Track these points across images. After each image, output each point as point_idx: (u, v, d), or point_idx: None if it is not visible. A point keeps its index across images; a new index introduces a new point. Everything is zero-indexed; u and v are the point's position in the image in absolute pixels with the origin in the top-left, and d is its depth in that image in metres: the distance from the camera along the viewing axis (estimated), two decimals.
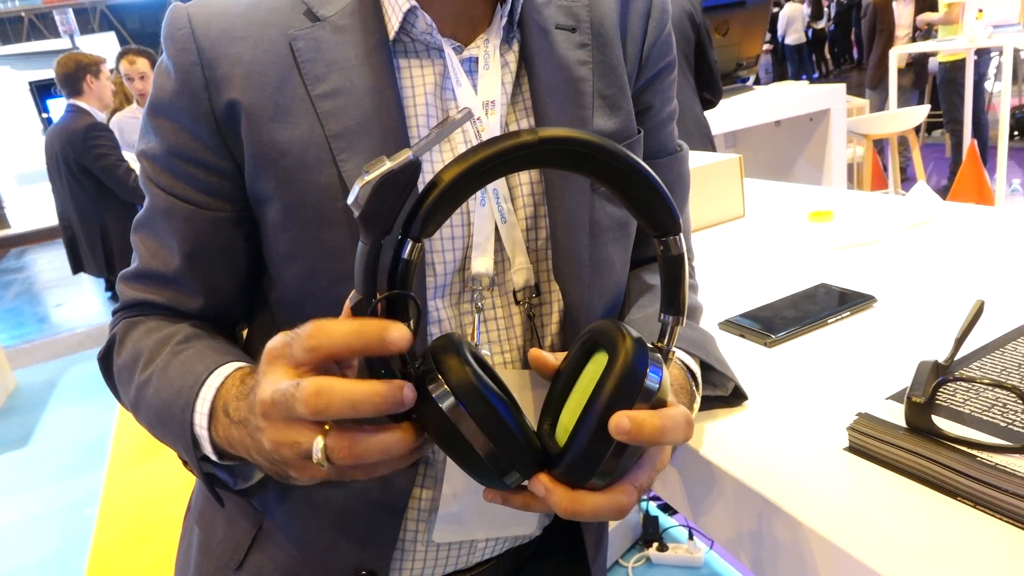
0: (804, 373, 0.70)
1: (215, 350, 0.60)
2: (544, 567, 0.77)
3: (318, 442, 0.41)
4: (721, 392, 0.66)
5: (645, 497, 2.40)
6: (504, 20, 0.61)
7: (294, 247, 0.60)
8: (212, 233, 0.62)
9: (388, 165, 0.39)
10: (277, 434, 0.42)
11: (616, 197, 0.46)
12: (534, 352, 0.53)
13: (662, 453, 0.47)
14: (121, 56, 3.37)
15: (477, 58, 0.61)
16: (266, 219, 0.61)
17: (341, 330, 0.40)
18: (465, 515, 0.64)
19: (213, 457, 0.54)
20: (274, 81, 0.57)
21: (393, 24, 0.59)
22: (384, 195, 0.40)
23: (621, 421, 0.41)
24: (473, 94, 0.61)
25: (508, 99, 0.63)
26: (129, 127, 3.42)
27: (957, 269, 0.88)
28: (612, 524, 2.18)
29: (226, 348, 0.61)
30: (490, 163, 0.42)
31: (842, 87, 3.06)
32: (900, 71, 5.67)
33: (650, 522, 2.25)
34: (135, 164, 3.07)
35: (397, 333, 0.39)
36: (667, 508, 2.37)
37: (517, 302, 0.64)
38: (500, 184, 0.62)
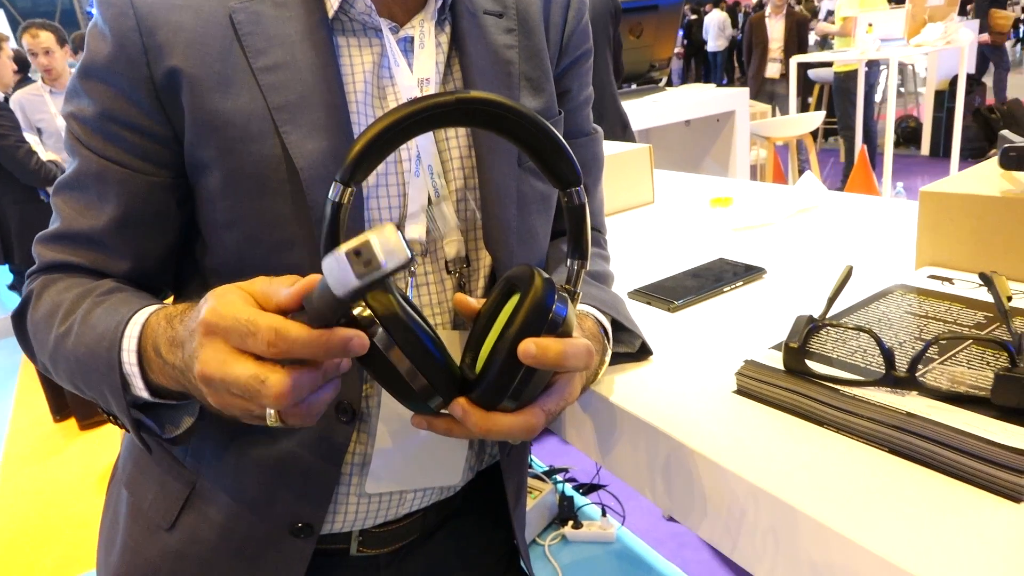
0: (702, 333, 0.78)
1: (140, 297, 0.61)
2: (468, 519, 0.82)
3: (266, 392, 0.43)
4: (629, 349, 0.73)
5: (560, 479, 2.49)
6: (439, 2, 0.66)
7: (233, 215, 0.62)
8: (146, 198, 0.64)
9: (383, 269, 0.40)
10: (218, 365, 0.44)
11: (525, 153, 0.52)
12: (459, 296, 0.58)
13: (570, 385, 0.53)
14: (24, 30, 3.19)
15: (413, 37, 0.66)
16: (204, 187, 0.63)
17: (304, 340, 0.43)
18: (395, 466, 0.69)
19: (145, 394, 0.55)
20: (216, 51, 0.60)
21: (332, 3, 0.62)
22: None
23: (528, 347, 0.47)
24: (409, 72, 0.65)
25: (440, 79, 0.68)
26: (31, 106, 3.24)
27: (836, 247, 0.98)
28: (530, 504, 2.26)
29: (151, 298, 0.62)
30: (413, 118, 0.48)
31: (746, 91, 3.25)
32: (777, 80, 6.10)
33: (565, 502, 2.34)
34: (37, 146, 2.92)
35: (358, 343, 0.43)
36: (581, 489, 2.47)
37: (448, 272, 0.69)
38: (433, 160, 0.67)
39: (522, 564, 0.88)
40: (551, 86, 0.73)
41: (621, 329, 0.72)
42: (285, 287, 0.45)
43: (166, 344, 0.52)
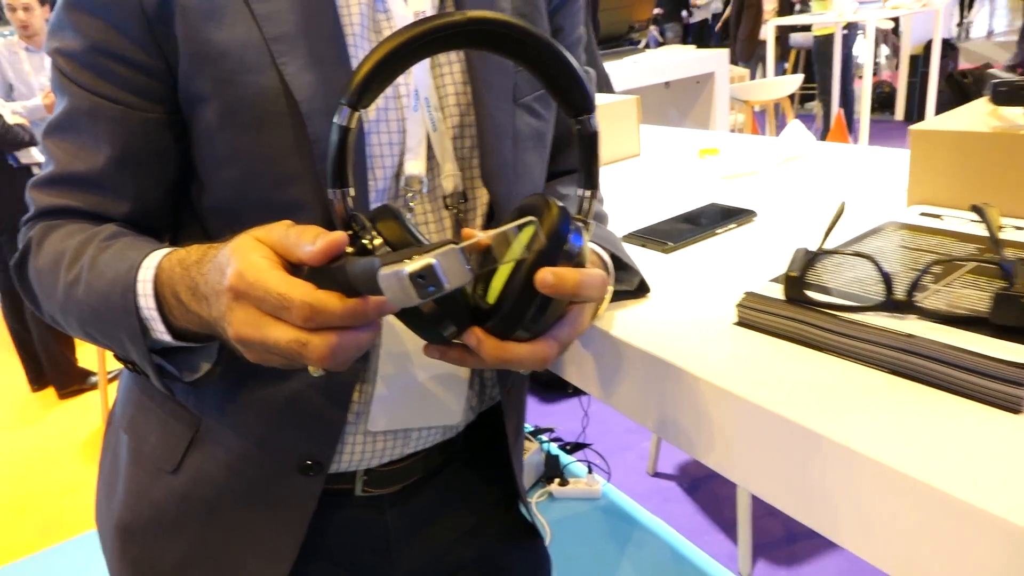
0: (698, 272, 0.78)
1: (147, 241, 0.60)
2: (469, 460, 0.83)
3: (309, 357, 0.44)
4: (627, 287, 0.74)
5: (546, 439, 2.52)
6: None
7: (231, 150, 0.61)
8: (143, 135, 0.62)
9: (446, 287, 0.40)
10: (254, 330, 0.45)
11: (536, 78, 0.51)
12: (466, 231, 0.58)
13: (581, 315, 0.54)
14: None
15: None
16: (200, 121, 0.62)
17: (340, 313, 0.43)
18: (397, 405, 0.69)
19: (167, 338, 0.55)
20: None
21: None
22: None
23: (545, 275, 0.47)
24: (403, 5, 0.64)
25: (435, 12, 0.67)
26: (6, 60, 3.11)
27: (824, 192, 0.99)
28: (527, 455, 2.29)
29: (156, 242, 0.61)
30: (424, 38, 0.47)
31: (725, 52, 3.25)
32: (766, 44, 6.07)
33: (551, 460, 2.37)
34: (2, 109, 2.83)
35: (391, 306, 0.44)
36: (567, 447, 2.50)
37: (447, 207, 0.69)
38: (430, 93, 0.66)
39: (521, 508, 0.89)
40: (545, 22, 0.72)
41: (620, 267, 0.72)
42: (307, 242, 0.45)
43: (186, 292, 0.51)
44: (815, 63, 5.58)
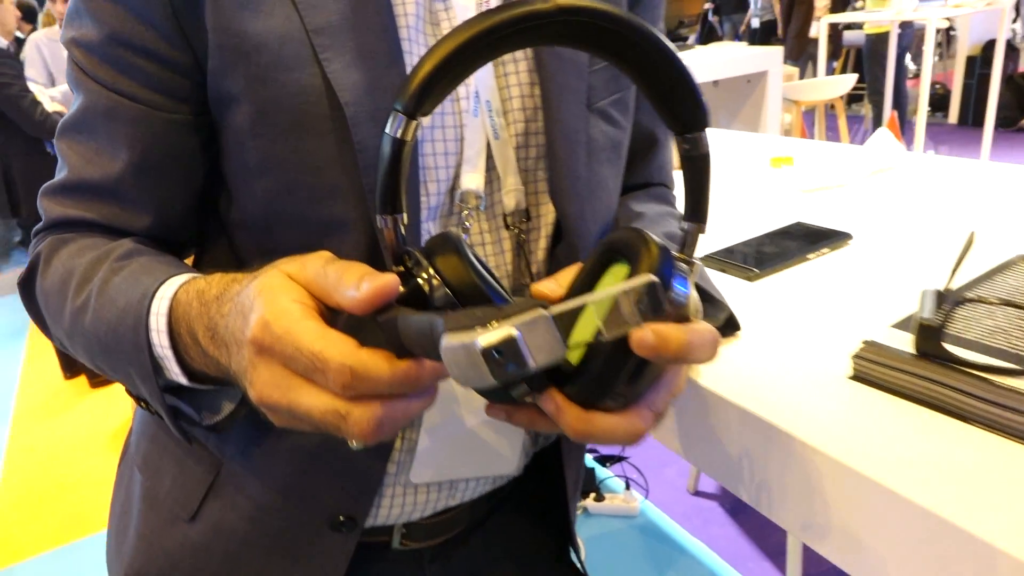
0: (792, 305, 0.68)
1: (164, 263, 0.52)
2: (518, 508, 0.74)
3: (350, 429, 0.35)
4: (713, 323, 0.64)
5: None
6: None
7: (265, 158, 0.53)
8: (166, 138, 0.54)
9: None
10: (282, 393, 0.36)
11: (636, 83, 0.41)
12: (541, 288, 0.47)
13: (678, 376, 0.44)
14: None
15: None
16: (231, 124, 0.53)
17: (388, 380, 0.34)
18: (444, 454, 0.60)
19: (182, 380, 0.47)
20: None
21: None
22: None
23: (645, 336, 0.37)
24: None
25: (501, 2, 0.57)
26: (49, 50, 3.09)
27: (923, 212, 0.88)
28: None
29: (176, 262, 0.53)
30: (499, 32, 0.37)
31: (779, 51, 3.10)
32: (817, 41, 5.83)
33: (587, 473, 2.27)
34: (41, 96, 2.81)
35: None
36: (603, 460, 2.40)
37: (507, 226, 0.59)
38: (492, 95, 0.57)
39: (573, 557, 0.79)
40: None
41: (704, 299, 0.62)
42: (350, 286, 0.35)
43: (204, 332, 0.43)
44: (866, 62, 5.36)
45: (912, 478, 0.44)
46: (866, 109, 5.59)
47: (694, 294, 0.41)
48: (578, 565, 0.79)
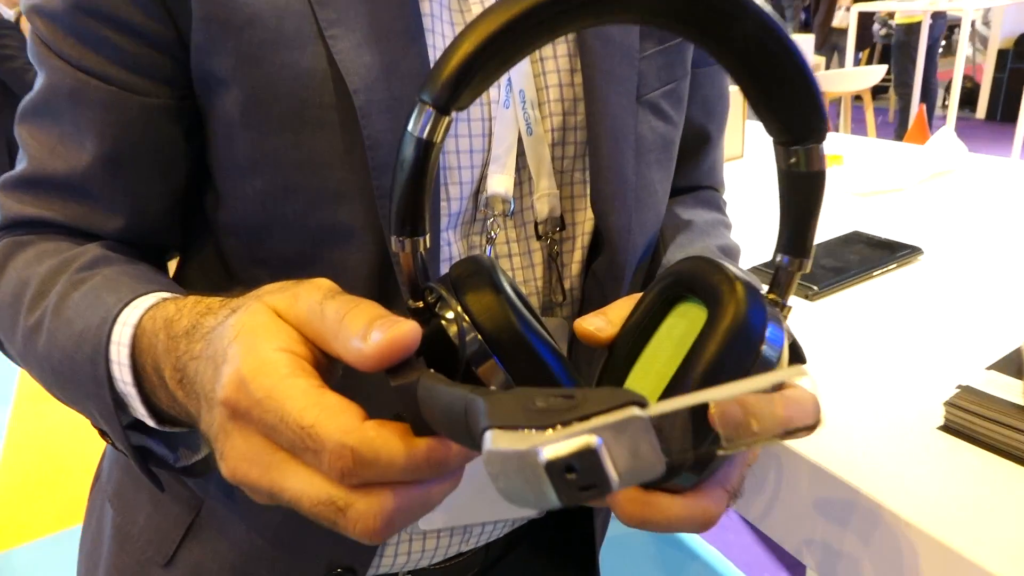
0: (861, 333, 0.59)
1: (133, 276, 0.43)
2: (537, 548, 0.66)
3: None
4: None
5: None
6: None
7: (257, 153, 0.44)
8: (142, 126, 0.46)
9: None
10: (260, 473, 0.27)
11: (738, 79, 0.32)
12: (580, 328, 0.39)
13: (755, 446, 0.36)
14: None
15: None
16: (218, 112, 0.45)
17: (401, 466, 0.26)
18: (456, 499, 0.52)
19: (149, 421, 0.38)
20: None
21: None
22: None
23: (731, 409, 0.29)
24: None
25: None
26: None
27: (997, 222, 0.79)
28: None
29: (148, 274, 0.45)
30: (564, 4, 0.28)
31: (809, 38, 2.99)
32: (844, 32, 5.64)
33: None
34: None
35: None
36: None
37: (538, 236, 0.51)
38: (527, 84, 0.48)
39: None
40: None
41: None
42: (355, 334, 0.27)
43: (171, 372, 0.34)
44: (894, 53, 5.20)
45: (1018, 558, 0.36)
46: (891, 101, 5.44)
47: (786, 349, 0.32)
48: None
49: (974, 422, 0.45)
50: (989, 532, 0.38)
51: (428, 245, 0.31)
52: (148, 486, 0.54)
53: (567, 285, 0.53)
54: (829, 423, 0.49)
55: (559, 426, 0.21)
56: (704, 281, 0.32)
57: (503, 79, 0.47)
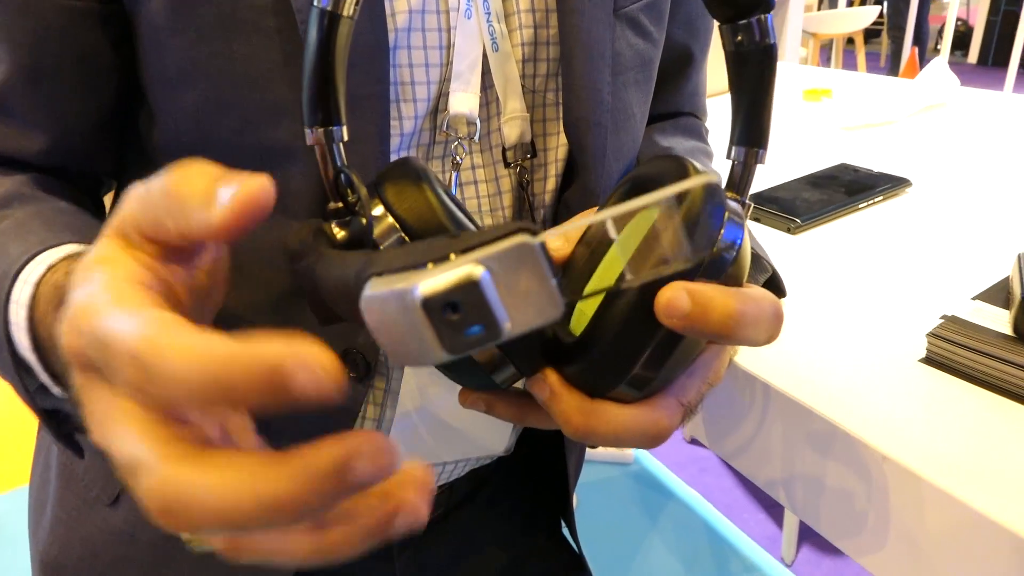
0: (843, 266, 0.57)
1: (45, 221, 0.39)
2: (505, 486, 0.65)
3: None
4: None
5: None
6: None
7: (187, 63, 0.40)
8: (62, 33, 0.41)
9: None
10: (98, 425, 0.21)
11: None
12: (554, 244, 0.36)
13: (718, 359, 0.33)
14: None
15: None
16: (144, 16, 0.40)
17: (188, 367, 0.18)
18: (421, 435, 0.50)
19: (55, 390, 0.34)
20: None
21: None
22: None
23: (677, 296, 0.26)
24: None
25: None
26: None
27: (988, 155, 0.76)
28: None
29: (63, 218, 0.40)
30: None
31: None
32: None
33: None
34: None
35: (311, 375, 0.17)
36: None
37: (507, 163, 0.48)
38: None
39: (565, 533, 0.70)
40: None
41: None
42: (195, 204, 0.22)
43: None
44: None
45: (1000, 492, 0.34)
46: (883, 46, 5.35)
47: (747, 246, 0.30)
48: (571, 543, 0.71)
49: (958, 353, 0.43)
50: (970, 465, 0.37)
51: (346, 137, 0.28)
52: None
53: (538, 216, 0.50)
54: (807, 357, 0.46)
55: (450, 260, 0.18)
56: (662, 179, 0.30)
57: None
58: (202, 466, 0.18)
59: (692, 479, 2.07)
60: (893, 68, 5.05)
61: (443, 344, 0.18)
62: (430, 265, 0.18)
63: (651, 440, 0.31)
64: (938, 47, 5.25)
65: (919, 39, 4.92)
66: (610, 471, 2.12)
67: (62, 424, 0.37)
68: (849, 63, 4.99)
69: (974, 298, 0.46)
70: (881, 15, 5.56)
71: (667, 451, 2.20)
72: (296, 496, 0.18)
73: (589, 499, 1.99)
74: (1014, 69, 4.49)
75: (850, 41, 4.26)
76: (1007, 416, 0.40)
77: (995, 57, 5.68)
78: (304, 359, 0.17)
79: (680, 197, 0.27)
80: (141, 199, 0.23)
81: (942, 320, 0.44)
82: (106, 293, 0.21)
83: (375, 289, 0.19)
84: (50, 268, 0.33)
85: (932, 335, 0.44)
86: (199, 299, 0.25)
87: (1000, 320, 0.43)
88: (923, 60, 4.91)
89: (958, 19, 6.40)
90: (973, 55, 5.96)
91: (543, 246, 0.18)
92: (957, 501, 0.35)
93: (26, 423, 2.47)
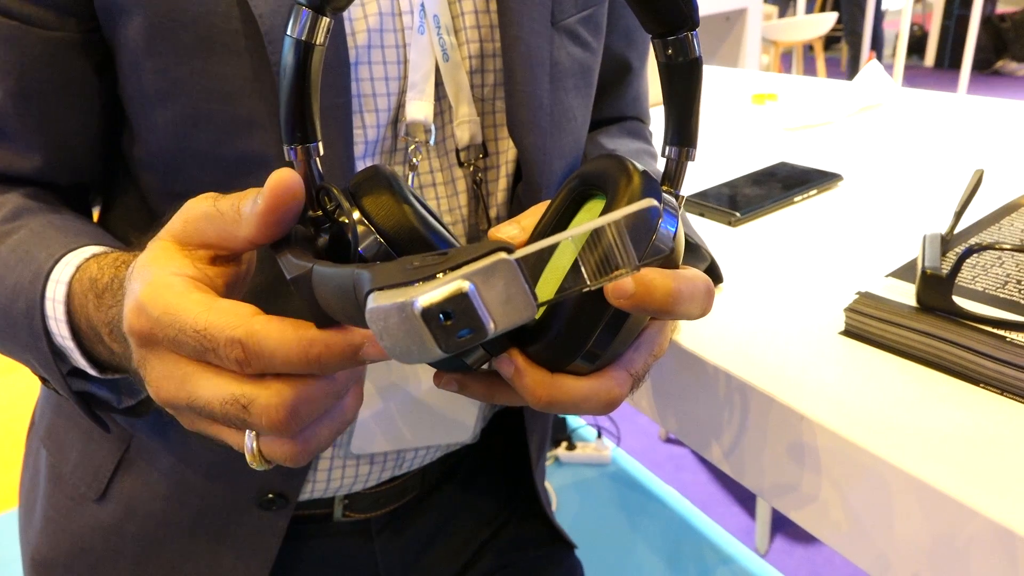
0: (777, 253, 0.62)
1: (59, 228, 0.44)
2: (477, 470, 0.68)
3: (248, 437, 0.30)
4: None
5: None
6: None
7: (166, 83, 0.44)
8: (49, 62, 0.45)
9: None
10: (177, 386, 0.29)
11: None
12: (493, 238, 0.40)
13: (662, 333, 0.38)
14: None
15: None
16: (123, 42, 0.44)
17: (290, 355, 0.27)
18: (390, 422, 0.53)
19: (91, 371, 0.40)
20: None
21: None
22: None
23: (623, 282, 0.31)
24: None
25: None
26: None
27: (919, 151, 0.82)
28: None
29: (75, 224, 0.45)
30: None
31: None
32: None
33: (558, 423, 2.24)
34: None
35: (375, 350, 0.27)
36: None
37: (460, 163, 0.52)
38: (441, 10, 0.48)
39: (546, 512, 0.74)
40: None
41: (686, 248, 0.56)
42: (247, 209, 0.29)
43: (106, 329, 0.36)
44: (844, 1, 5.24)
45: (910, 447, 0.39)
46: (843, 52, 5.49)
47: (682, 234, 0.34)
48: (550, 518, 0.74)
49: (872, 325, 0.47)
50: (881, 421, 0.41)
51: (321, 152, 0.31)
52: (80, 424, 0.54)
53: (493, 214, 0.54)
54: (741, 331, 0.51)
55: (434, 277, 0.22)
56: (605, 175, 0.34)
57: (416, 4, 0.47)
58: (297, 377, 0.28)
59: (668, 476, 2.12)
60: (852, 73, 5.19)
61: (439, 345, 0.22)
62: (424, 281, 0.22)
63: (605, 406, 0.35)
64: (896, 51, 5.41)
65: (875, 45, 5.06)
66: (589, 472, 2.16)
67: (90, 403, 0.42)
68: (811, 70, 5.11)
69: (887, 276, 0.51)
70: (839, 22, 5.71)
71: (644, 450, 2.25)
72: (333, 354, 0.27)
73: (569, 500, 2.03)
74: (967, 71, 4.64)
75: (811, 48, 4.37)
76: (917, 378, 0.44)
77: (951, 60, 5.85)
78: (369, 335, 0.27)
79: (625, 197, 0.32)
80: (209, 215, 0.30)
81: (857, 296, 0.49)
82: (179, 282, 0.28)
83: (378, 302, 0.23)
84: (79, 268, 0.38)
85: (849, 309, 0.49)
86: (232, 290, 0.31)
87: (908, 294, 0.48)
88: (880, 63, 5.05)
89: (915, 24, 6.58)
90: (930, 58, 6.13)
91: (518, 260, 0.23)
92: (877, 457, 0.39)
93: (11, 446, 2.43)
